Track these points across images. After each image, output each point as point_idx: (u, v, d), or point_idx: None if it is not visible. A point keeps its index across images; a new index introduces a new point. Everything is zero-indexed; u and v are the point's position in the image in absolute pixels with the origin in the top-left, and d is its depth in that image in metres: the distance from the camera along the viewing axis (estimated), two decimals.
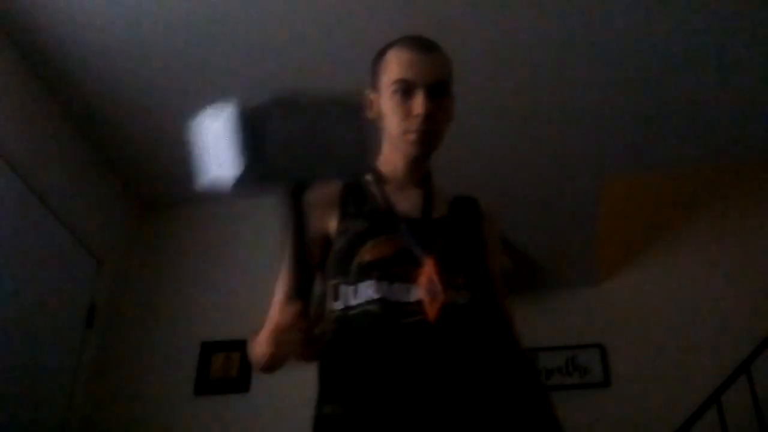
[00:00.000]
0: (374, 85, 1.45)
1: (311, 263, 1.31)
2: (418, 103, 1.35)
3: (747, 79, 3.00)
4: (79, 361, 3.13)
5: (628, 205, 4.38)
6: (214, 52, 2.88)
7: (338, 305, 1.28)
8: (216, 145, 1.22)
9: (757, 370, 3.35)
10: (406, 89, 1.37)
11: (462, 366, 1.23)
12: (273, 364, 1.37)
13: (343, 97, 1.31)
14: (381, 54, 1.45)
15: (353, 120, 1.28)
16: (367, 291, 1.26)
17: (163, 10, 2.70)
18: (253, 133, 1.20)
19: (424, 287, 1.25)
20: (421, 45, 1.40)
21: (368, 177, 1.43)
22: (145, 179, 3.55)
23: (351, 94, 1.34)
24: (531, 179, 3.57)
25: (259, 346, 1.36)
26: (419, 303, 1.23)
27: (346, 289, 1.28)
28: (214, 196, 3.66)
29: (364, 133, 1.27)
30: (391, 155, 1.43)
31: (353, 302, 1.26)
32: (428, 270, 1.26)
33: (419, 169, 1.44)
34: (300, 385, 3.26)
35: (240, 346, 3.18)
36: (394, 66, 1.39)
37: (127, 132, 3.26)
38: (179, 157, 3.40)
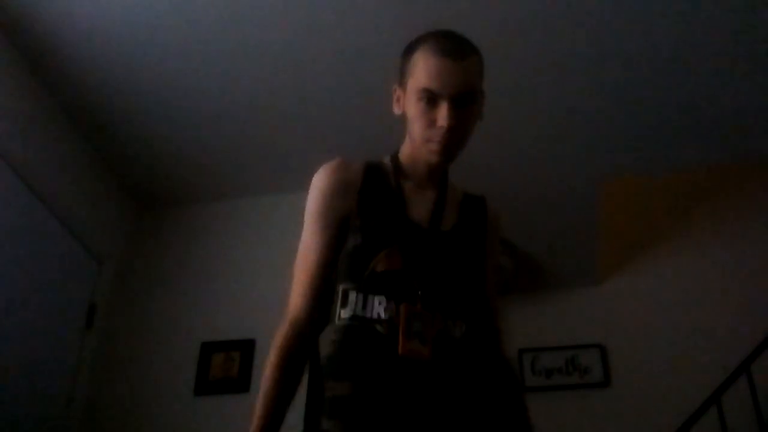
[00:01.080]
0: (401, 82, 1.43)
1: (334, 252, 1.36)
2: (442, 116, 1.32)
3: (747, 79, 3.00)
4: (79, 361, 3.13)
5: (628, 206, 4.38)
6: (214, 53, 2.88)
7: (346, 313, 1.28)
8: None
9: (757, 370, 3.35)
10: (431, 98, 1.34)
11: (454, 404, 1.24)
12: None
13: None
14: (410, 51, 1.41)
15: None
16: (377, 307, 1.26)
17: (163, 11, 2.71)
18: None
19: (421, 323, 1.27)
20: (452, 50, 1.34)
21: (388, 164, 1.45)
22: (145, 179, 3.55)
23: None
24: (531, 179, 3.57)
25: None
26: (419, 333, 1.25)
27: (355, 298, 1.28)
28: (214, 196, 3.67)
29: None
30: (412, 153, 1.43)
31: (360, 315, 1.27)
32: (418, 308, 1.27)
33: (438, 171, 1.46)
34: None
35: (240, 346, 3.19)
36: (421, 72, 1.34)
37: (127, 132, 3.27)
38: (179, 157, 3.43)
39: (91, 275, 3.28)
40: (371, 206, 1.36)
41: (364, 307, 1.26)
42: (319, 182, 1.41)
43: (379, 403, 1.21)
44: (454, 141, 1.36)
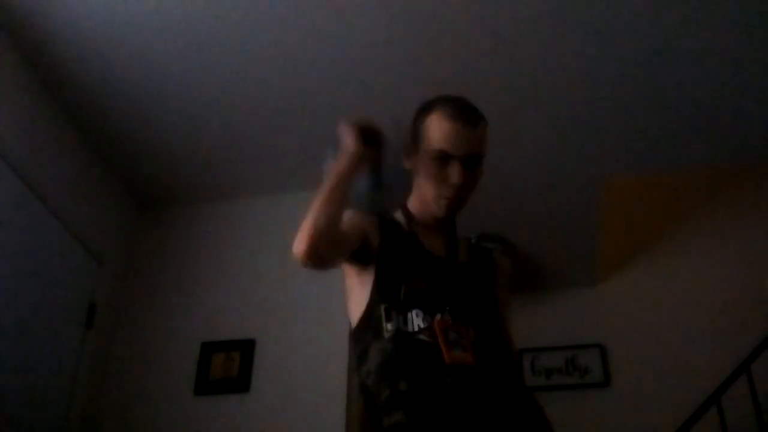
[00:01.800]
0: (413, 140, 1.56)
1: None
2: (455, 174, 1.46)
3: (747, 79, 3.00)
4: (79, 361, 3.13)
5: (628, 206, 4.38)
6: (214, 53, 2.88)
7: (391, 326, 1.37)
8: None
9: (757, 370, 3.35)
10: (444, 158, 1.47)
11: (504, 406, 1.34)
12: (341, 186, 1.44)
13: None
14: (425, 112, 1.54)
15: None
16: (416, 320, 1.37)
17: (163, 11, 2.70)
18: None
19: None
20: (466, 118, 1.49)
21: (398, 215, 1.58)
22: (145, 179, 3.55)
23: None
24: (531, 179, 3.57)
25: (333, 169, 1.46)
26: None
27: (396, 316, 1.38)
28: (214, 196, 3.67)
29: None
30: (422, 205, 1.56)
31: (404, 329, 1.37)
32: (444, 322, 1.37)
33: (447, 220, 1.57)
34: (299, 385, 3.28)
35: (240, 346, 3.19)
36: (436, 135, 1.48)
37: (127, 132, 3.27)
38: (179, 157, 3.43)
39: (91, 275, 3.28)
40: (391, 243, 1.49)
41: (405, 323, 1.37)
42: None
43: (437, 401, 1.28)
44: (462, 197, 1.51)
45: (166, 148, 3.36)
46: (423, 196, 1.54)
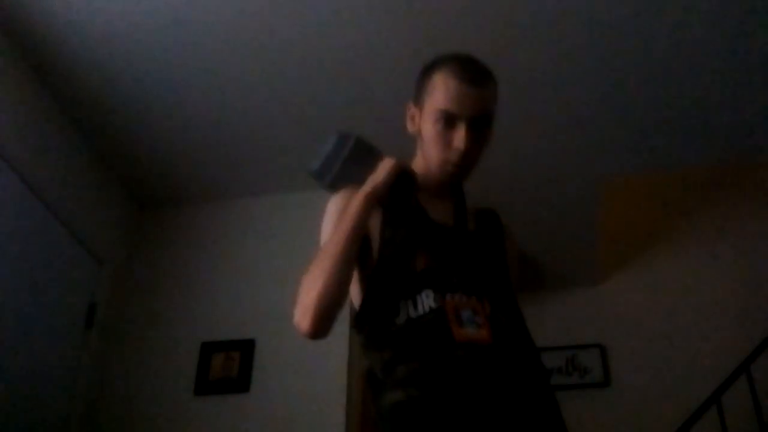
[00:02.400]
0: (417, 101, 1.46)
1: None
2: (460, 138, 1.37)
3: (747, 79, 3.00)
4: (79, 361, 3.13)
5: (627, 206, 4.38)
6: (214, 53, 2.88)
7: (401, 319, 1.28)
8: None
9: (757, 370, 3.35)
10: (449, 119, 1.37)
11: (522, 384, 1.26)
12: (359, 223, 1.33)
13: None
14: (429, 71, 1.45)
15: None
16: (427, 301, 1.28)
17: (163, 11, 2.70)
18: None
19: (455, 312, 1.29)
20: (472, 76, 1.38)
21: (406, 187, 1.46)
22: (145, 179, 3.55)
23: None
24: (531, 179, 3.57)
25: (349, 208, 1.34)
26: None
27: (404, 304, 1.28)
28: (213, 196, 3.67)
29: None
30: (426, 170, 1.45)
31: (415, 314, 1.27)
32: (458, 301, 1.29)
33: (453, 185, 1.48)
34: (299, 385, 3.28)
35: (240, 346, 3.19)
36: (441, 94, 1.38)
37: (127, 132, 3.26)
38: (179, 157, 3.43)
39: (91, 275, 3.28)
40: (395, 220, 1.38)
41: (416, 307, 1.27)
42: (337, 203, 1.41)
43: (448, 375, 1.21)
44: (468, 162, 1.41)
45: (166, 148, 3.35)
46: (428, 161, 1.43)
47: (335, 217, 1.39)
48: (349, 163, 1.44)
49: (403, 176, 1.37)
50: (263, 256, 3.43)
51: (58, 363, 3.02)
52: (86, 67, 2.93)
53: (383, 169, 1.36)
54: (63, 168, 3.14)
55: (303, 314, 1.27)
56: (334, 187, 1.45)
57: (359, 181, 1.39)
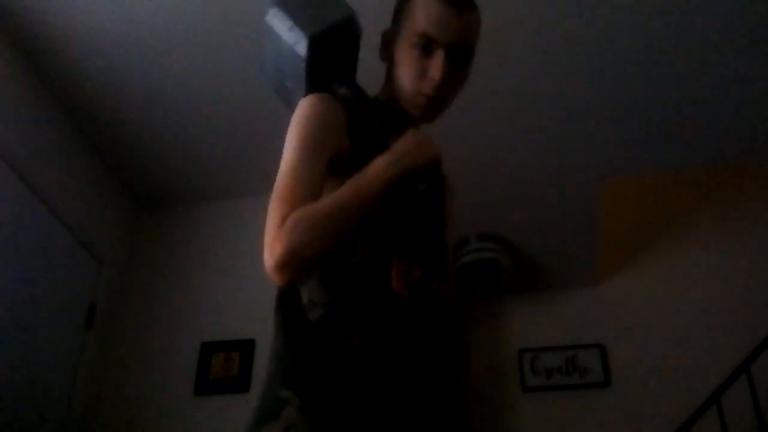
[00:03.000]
0: (393, 27, 1.35)
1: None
2: (436, 66, 1.25)
3: (747, 78, 3.00)
4: (79, 361, 3.13)
5: (627, 206, 4.38)
6: (214, 53, 2.88)
7: (357, 260, 1.18)
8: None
9: (757, 370, 3.35)
10: (427, 45, 1.26)
11: (428, 362, 1.19)
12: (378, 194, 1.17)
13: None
14: None
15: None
16: (379, 247, 1.19)
17: (163, 11, 2.71)
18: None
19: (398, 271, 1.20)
20: (458, 1, 1.27)
21: (368, 108, 1.33)
22: (145, 179, 3.55)
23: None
24: (531, 179, 3.57)
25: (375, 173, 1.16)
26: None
27: (362, 245, 1.19)
28: (213, 196, 3.67)
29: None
30: (393, 102, 1.33)
31: (369, 258, 1.18)
32: (398, 258, 1.20)
33: (415, 125, 1.35)
34: None
35: (240, 346, 3.19)
36: (421, 16, 1.26)
37: (127, 132, 3.27)
38: (179, 157, 3.43)
39: (91, 275, 3.28)
40: (362, 147, 1.25)
41: (371, 250, 1.18)
42: (314, 109, 1.25)
43: (387, 334, 1.14)
44: (441, 97, 1.29)
45: (166, 148, 3.36)
46: (398, 91, 1.30)
47: (314, 121, 1.24)
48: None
49: (435, 169, 1.24)
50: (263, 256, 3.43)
51: (58, 363, 3.02)
52: (86, 68, 2.93)
53: (421, 152, 1.20)
54: (63, 168, 3.14)
55: (291, 261, 1.09)
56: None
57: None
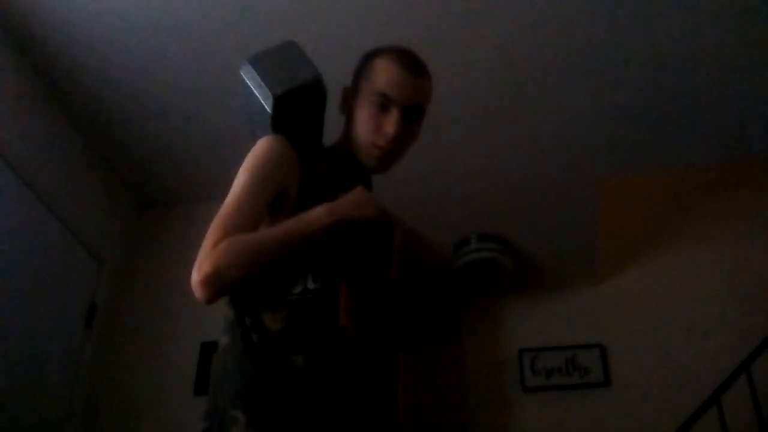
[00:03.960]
0: (354, 84, 1.49)
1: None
2: (391, 122, 1.39)
3: (747, 79, 3.00)
4: (79, 361, 3.13)
5: (627, 206, 4.38)
6: (214, 53, 2.88)
7: (297, 289, 1.29)
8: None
9: (757, 370, 3.35)
10: (384, 103, 1.40)
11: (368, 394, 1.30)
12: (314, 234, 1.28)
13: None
14: (370, 57, 1.49)
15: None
16: (322, 279, 1.30)
17: (163, 11, 2.71)
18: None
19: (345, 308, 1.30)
20: (412, 66, 1.43)
21: (320, 154, 1.45)
22: (145, 179, 3.55)
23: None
24: (531, 179, 3.57)
25: (322, 214, 1.29)
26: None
27: (303, 275, 1.30)
28: (213, 196, 3.66)
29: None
30: (348, 153, 1.46)
31: (312, 287, 1.29)
32: (344, 294, 1.30)
33: (368, 175, 1.51)
34: None
35: None
36: (381, 77, 1.42)
37: (127, 132, 3.27)
38: (179, 157, 3.43)
39: (91, 275, 3.28)
40: (310, 189, 1.37)
41: (314, 281, 1.29)
42: (268, 148, 1.39)
43: (329, 378, 1.25)
44: (395, 151, 1.42)
45: (165, 148, 3.36)
46: (354, 143, 1.43)
47: (267, 158, 1.38)
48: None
49: (383, 226, 1.36)
50: None
51: (58, 363, 3.02)
52: (86, 68, 2.93)
53: (360, 210, 1.31)
54: (63, 168, 3.14)
55: (214, 281, 1.25)
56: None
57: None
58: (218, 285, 1.26)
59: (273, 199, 1.34)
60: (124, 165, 3.46)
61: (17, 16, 2.71)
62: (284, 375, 1.23)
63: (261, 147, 1.41)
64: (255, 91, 1.43)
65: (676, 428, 3.37)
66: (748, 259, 4.23)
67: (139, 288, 3.47)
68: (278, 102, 1.39)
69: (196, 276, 1.26)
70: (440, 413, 4.26)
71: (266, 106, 1.41)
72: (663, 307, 4.25)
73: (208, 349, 3.21)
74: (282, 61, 1.45)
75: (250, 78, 1.45)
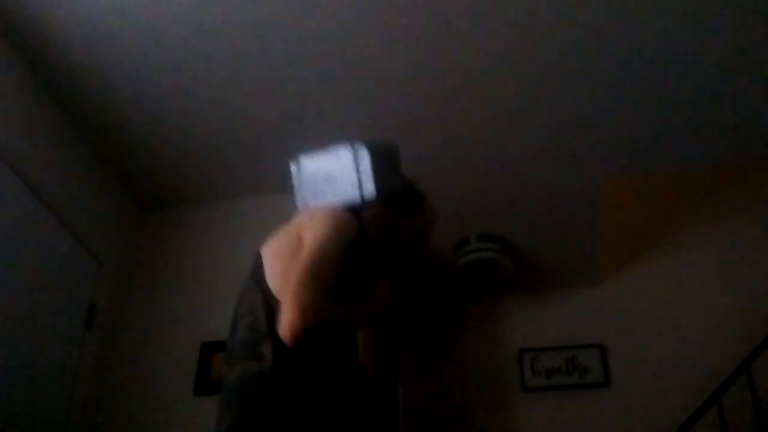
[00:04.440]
0: (402, 211, 1.82)
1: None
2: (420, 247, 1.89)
3: (747, 79, 3.00)
4: (79, 361, 3.13)
5: (628, 206, 4.38)
6: (214, 53, 2.88)
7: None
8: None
9: (757, 370, 3.35)
10: (420, 242, 1.87)
11: None
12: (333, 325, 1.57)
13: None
14: (421, 197, 1.86)
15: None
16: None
17: (163, 12, 2.70)
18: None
19: None
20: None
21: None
22: (145, 180, 3.55)
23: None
24: (531, 179, 3.57)
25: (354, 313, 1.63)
26: None
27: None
28: (213, 196, 3.67)
29: None
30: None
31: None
32: None
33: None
34: None
35: None
36: (425, 223, 1.86)
37: (127, 132, 3.27)
38: (179, 157, 3.43)
39: (91, 275, 3.28)
40: (355, 255, 1.69)
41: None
42: (346, 220, 1.67)
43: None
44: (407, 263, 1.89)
45: (166, 148, 3.36)
46: (383, 244, 1.79)
47: (347, 235, 1.64)
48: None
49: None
50: None
51: (58, 363, 3.02)
52: (86, 68, 2.93)
53: (381, 312, 1.71)
54: (63, 168, 3.14)
55: (304, 338, 1.44)
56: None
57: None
58: (305, 340, 1.44)
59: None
60: (124, 165, 3.46)
61: (18, 16, 2.71)
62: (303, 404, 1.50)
63: (342, 216, 1.68)
64: (357, 171, 1.72)
65: (676, 428, 3.37)
66: (748, 259, 4.23)
67: (139, 288, 3.47)
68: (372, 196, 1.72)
69: (299, 325, 1.43)
70: (440, 413, 4.26)
71: (359, 192, 1.72)
72: (663, 307, 4.26)
73: (208, 349, 3.21)
74: (389, 164, 1.77)
75: (362, 162, 1.72)
